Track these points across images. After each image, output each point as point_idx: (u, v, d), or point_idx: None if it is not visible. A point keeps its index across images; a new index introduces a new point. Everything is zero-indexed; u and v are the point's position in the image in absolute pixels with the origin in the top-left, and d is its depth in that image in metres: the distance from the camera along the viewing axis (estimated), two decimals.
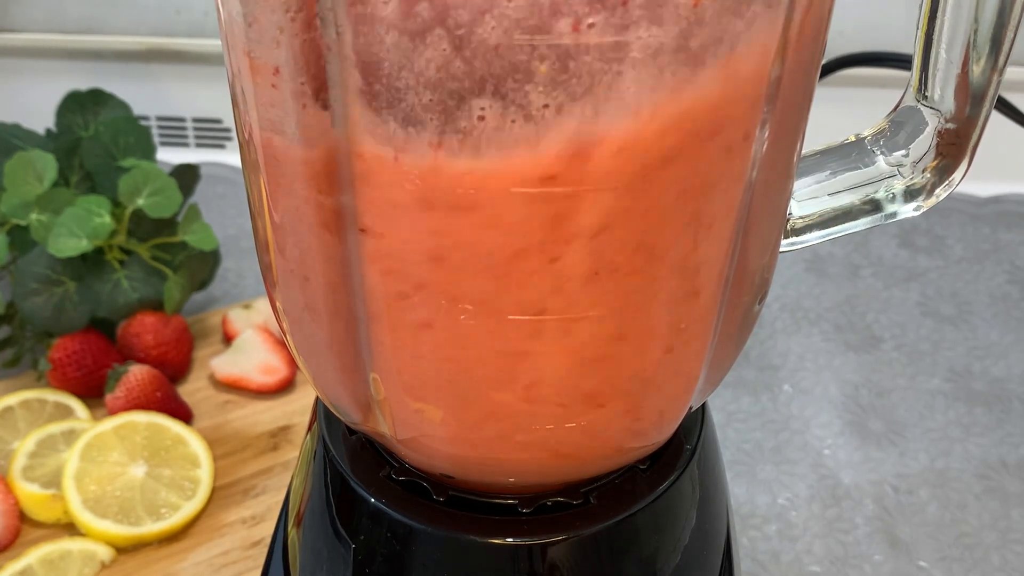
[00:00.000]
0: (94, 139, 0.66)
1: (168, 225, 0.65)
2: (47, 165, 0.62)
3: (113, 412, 0.59)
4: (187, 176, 0.69)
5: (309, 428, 0.39)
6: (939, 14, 0.27)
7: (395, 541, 0.32)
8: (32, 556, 0.51)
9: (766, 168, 0.26)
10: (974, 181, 0.79)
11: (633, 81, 0.22)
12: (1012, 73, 0.29)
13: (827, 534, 0.55)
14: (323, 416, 0.36)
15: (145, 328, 0.63)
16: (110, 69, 0.94)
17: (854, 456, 0.60)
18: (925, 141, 0.30)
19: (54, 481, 0.54)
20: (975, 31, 0.27)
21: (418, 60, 0.22)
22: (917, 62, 0.29)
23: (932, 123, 0.29)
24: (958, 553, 0.54)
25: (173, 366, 0.64)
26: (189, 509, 0.54)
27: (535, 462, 0.30)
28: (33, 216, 0.61)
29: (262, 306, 0.69)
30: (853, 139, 0.32)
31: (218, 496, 0.56)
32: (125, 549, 0.53)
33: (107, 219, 0.60)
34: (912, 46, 0.29)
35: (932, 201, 0.30)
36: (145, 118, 0.96)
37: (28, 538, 0.53)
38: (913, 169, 0.30)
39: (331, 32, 0.23)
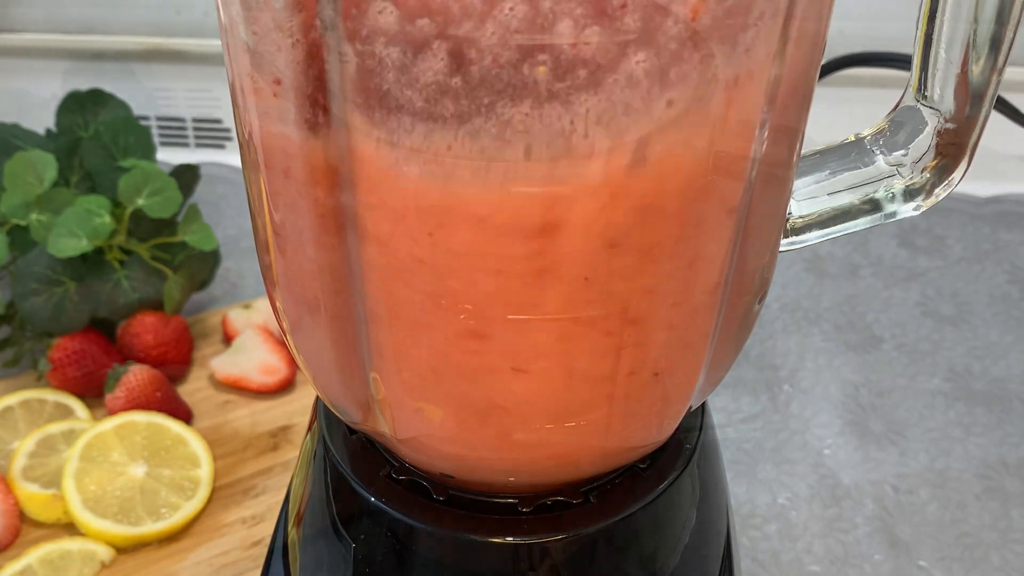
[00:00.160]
0: (94, 139, 0.66)
1: (168, 225, 0.65)
2: (47, 165, 0.62)
3: (113, 412, 0.59)
4: (187, 176, 0.69)
5: (309, 428, 0.39)
6: (939, 14, 0.27)
7: (395, 541, 0.32)
8: (32, 556, 0.51)
9: (766, 168, 0.26)
10: (974, 181, 0.79)
11: (630, 86, 0.22)
12: (1012, 73, 0.29)
13: (827, 534, 0.55)
14: (323, 416, 0.36)
15: (145, 328, 0.63)
16: (110, 69, 0.94)
17: (854, 456, 0.60)
18: (925, 141, 0.30)
19: (54, 481, 0.54)
20: (975, 31, 0.27)
21: (415, 70, 0.22)
22: (917, 62, 0.29)
23: (932, 123, 0.29)
24: (958, 553, 0.54)
25: (173, 366, 0.64)
26: (189, 509, 0.54)
27: (535, 462, 0.30)
28: (33, 216, 0.61)
29: (262, 306, 0.69)
30: (853, 139, 0.32)
31: (218, 496, 0.56)
32: (125, 549, 0.53)
33: (107, 219, 0.60)
34: (912, 46, 0.29)
35: (932, 201, 0.30)
36: (145, 118, 0.96)
37: (28, 538, 0.53)
38: (913, 169, 0.30)
39: (331, 36, 0.23)
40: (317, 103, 0.24)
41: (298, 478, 0.39)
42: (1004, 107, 0.49)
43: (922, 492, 0.57)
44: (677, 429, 0.33)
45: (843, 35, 0.78)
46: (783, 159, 0.28)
